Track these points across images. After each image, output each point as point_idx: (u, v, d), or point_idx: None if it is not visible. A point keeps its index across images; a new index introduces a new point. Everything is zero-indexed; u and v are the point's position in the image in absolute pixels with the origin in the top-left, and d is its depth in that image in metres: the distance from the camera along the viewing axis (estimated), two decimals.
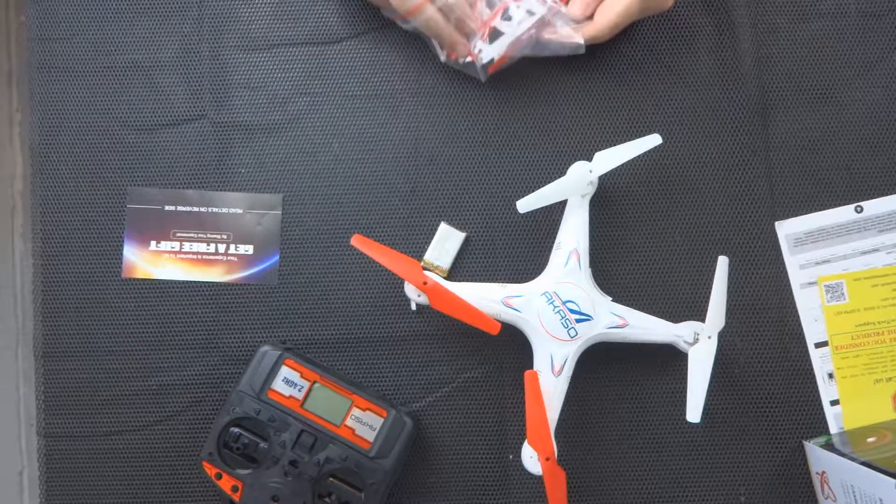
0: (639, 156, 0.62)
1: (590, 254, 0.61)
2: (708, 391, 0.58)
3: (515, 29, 0.63)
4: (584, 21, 0.64)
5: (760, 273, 0.66)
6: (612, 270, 0.66)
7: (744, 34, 0.67)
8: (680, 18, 0.68)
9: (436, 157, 0.67)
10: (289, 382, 0.61)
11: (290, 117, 0.68)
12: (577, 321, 0.60)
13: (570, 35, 0.63)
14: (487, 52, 0.64)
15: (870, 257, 0.66)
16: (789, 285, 0.66)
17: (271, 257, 0.67)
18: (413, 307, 0.66)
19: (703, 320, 0.60)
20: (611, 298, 0.62)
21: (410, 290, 0.61)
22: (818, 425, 0.65)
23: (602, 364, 0.65)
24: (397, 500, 0.65)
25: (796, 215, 0.66)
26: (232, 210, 0.67)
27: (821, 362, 0.65)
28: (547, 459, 0.56)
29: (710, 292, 0.59)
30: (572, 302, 0.60)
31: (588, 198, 0.62)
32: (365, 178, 0.67)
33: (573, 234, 0.61)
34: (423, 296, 0.60)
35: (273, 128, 0.68)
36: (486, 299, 0.60)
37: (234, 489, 0.60)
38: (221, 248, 0.67)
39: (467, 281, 0.62)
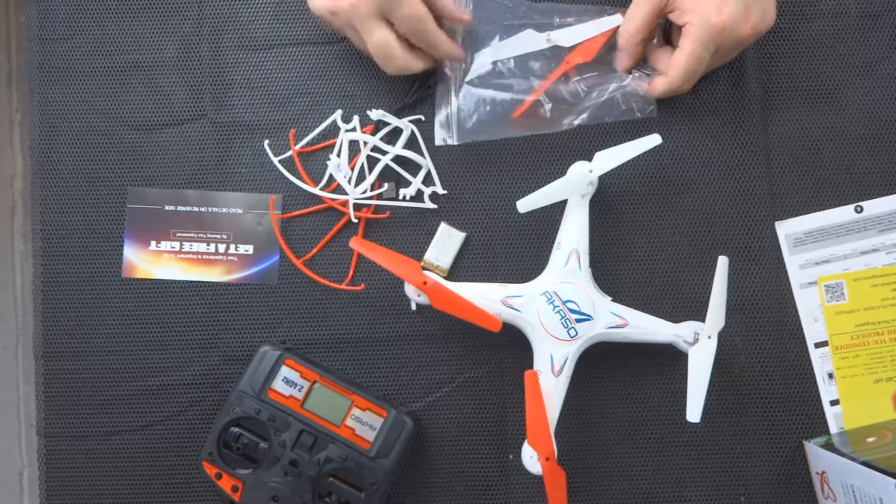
0: (639, 156, 0.62)
1: (590, 254, 0.61)
2: (708, 391, 0.58)
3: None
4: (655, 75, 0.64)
5: (760, 273, 0.66)
6: (612, 270, 0.66)
7: None
8: None
9: (435, 157, 0.67)
10: (289, 382, 0.61)
11: (290, 117, 0.68)
12: (577, 321, 0.60)
13: (640, 87, 0.64)
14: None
15: (870, 257, 0.66)
16: (789, 285, 0.66)
17: (271, 257, 0.67)
18: (413, 307, 0.66)
19: (703, 320, 0.60)
20: (611, 298, 0.62)
21: (410, 290, 0.61)
22: (818, 425, 0.65)
23: (602, 364, 0.65)
24: (397, 500, 0.65)
25: (796, 215, 0.66)
26: (232, 210, 0.67)
27: (821, 362, 0.65)
28: (547, 459, 0.56)
29: (710, 292, 0.59)
30: (572, 302, 0.60)
31: (588, 198, 0.62)
32: None
33: (573, 234, 0.61)
34: (423, 296, 0.60)
35: (273, 128, 0.68)
36: (486, 299, 0.60)
37: (234, 489, 0.60)
38: (221, 248, 0.67)
39: (467, 281, 0.62)
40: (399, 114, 0.66)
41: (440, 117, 0.66)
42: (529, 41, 0.64)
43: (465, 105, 0.64)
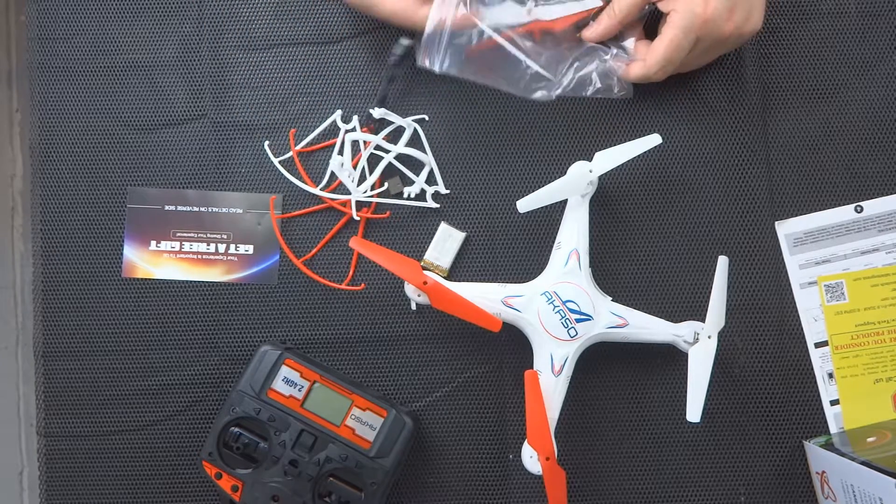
0: (639, 156, 0.62)
1: (590, 254, 0.61)
2: (708, 391, 0.58)
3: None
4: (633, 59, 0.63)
5: (760, 273, 0.66)
6: (612, 270, 0.66)
7: None
8: None
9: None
10: (289, 382, 0.61)
11: (290, 117, 0.68)
12: (577, 321, 0.60)
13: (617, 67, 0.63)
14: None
15: (870, 257, 0.66)
16: (789, 285, 0.66)
17: (271, 257, 0.67)
18: (413, 307, 0.66)
19: (703, 320, 0.60)
20: (611, 298, 0.62)
21: (410, 290, 0.61)
22: (818, 425, 0.65)
23: (602, 364, 0.65)
24: (397, 500, 0.65)
25: (796, 215, 0.66)
26: (232, 210, 0.67)
27: (821, 362, 0.65)
28: (547, 459, 0.56)
29: (710, 292, 0.59)
30: (572, 302, 0.60)
31: (588, 198, 0.62)
32: None
33: (573, 234, 0.61)
34: (424, 296, 0.60)
35: (273, 128, 0.68)
36: (486, 299, 0.60)
37: (234, 489, 0.60)
38: (221, 247, 0.67)
39: (467, 281, 0.62)
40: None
41: (429, 37, 0.60)
42: (510, 13, 0.63)
43: (458, 36, 0.61)
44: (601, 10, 0.63)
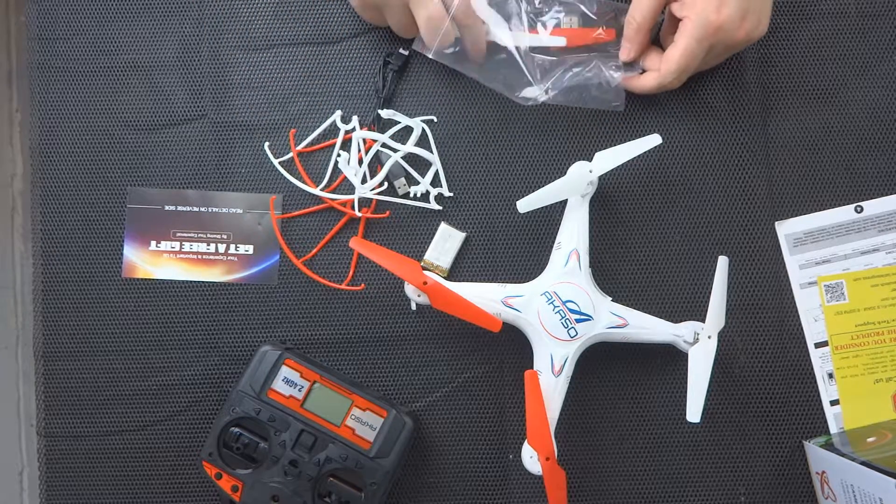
0: (639, 156, 0.62)
1: (590, 254, 0.61)
2: (708, 391, 0.58)
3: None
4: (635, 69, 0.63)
5: (760, 273, 0.66)
6: (612, 270, 0.66)
7: None
8: None
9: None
10: (289, 382, 0.61)
11: (290, 117, 0.68)
12: (577, 321, 0.60)
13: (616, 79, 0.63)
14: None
15: (870, 257, 0.66)
16: (789, 285, 0.66)
17: (271, 257, 0.67)
18: (413, 307, 0.66)
19: (703, 320, 0.60)
20: (611, 298, 0.62)
21: (410, 290, 0.61)
22: (818, 425, 0.65)
23: (602, 364, 0.65)
24: (397, 500, 0.65)
25: (796, 215, 0.66)
26: (232, 210, 0.67)
27: (821, 362, 0.65)
28: (547, 459, 0.56)
29: (710, 292, 0.59)
30: (572, 302, 0.60)
31: (588, 198, 0.62)
32: None
33: (573, 234, 0.61)
34: (424, 296, 0.60)
35: (273, 128, 0.68)
36: (486, 299, 0.60)
37: (234, 489, 0.60)
38: (221, 248, 0.67)
39: (467, 281, 0.62)
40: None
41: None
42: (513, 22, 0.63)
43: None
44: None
